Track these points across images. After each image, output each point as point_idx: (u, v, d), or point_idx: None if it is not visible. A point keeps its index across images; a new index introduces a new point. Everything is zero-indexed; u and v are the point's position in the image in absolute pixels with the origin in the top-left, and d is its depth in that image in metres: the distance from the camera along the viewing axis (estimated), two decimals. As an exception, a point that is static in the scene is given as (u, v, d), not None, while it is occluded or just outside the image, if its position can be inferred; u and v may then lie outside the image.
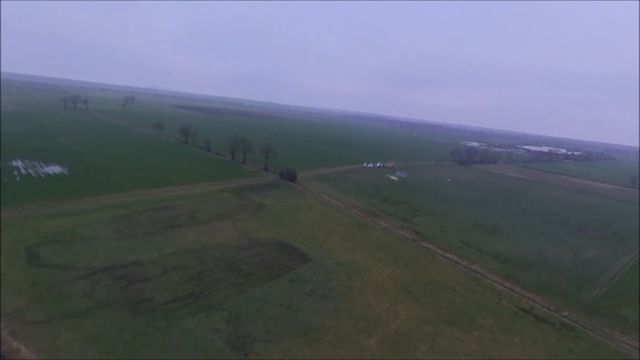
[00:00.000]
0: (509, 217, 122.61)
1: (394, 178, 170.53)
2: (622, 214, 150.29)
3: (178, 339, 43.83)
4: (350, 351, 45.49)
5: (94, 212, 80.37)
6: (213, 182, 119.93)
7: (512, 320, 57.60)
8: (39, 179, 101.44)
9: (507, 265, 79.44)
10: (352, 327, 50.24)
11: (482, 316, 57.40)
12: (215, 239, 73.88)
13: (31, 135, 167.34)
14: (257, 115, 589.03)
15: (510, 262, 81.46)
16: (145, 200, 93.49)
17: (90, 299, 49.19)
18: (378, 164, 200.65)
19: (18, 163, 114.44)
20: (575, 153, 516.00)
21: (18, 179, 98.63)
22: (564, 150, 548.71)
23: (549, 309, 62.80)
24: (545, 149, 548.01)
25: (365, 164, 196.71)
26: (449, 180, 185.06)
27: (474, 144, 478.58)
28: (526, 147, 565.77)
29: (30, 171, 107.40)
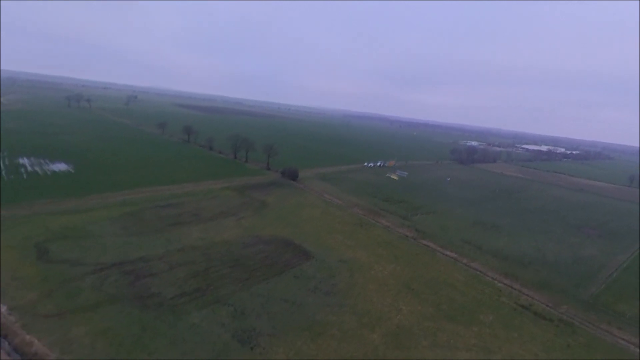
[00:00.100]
0: (508, 216, 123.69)
1: (395, 177, 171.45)
2: (620, 212, 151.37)
3: (185, 332, 45.03)
4: (354, 345, 46.70)
5: (101, 209, 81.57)
6: (216, 180, 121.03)
7: (512, 316, 58.77)
8: (45, 176, 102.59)
9: (506, 263, 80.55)
10: (355, 322, 51.45)
11: (482, 312, 58.58)
12: (220, 236, 75.10)
13: (36, 133, 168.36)
14: (258, 114, 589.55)
15: (509, 260, 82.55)
16: (150, 197, 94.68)
17: (99, 294, 50.43)
18: (378, 163, 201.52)
19: (24, 160, 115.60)
20: (574, 152, 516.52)
21: (25, 176, 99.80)
22: (562, 150, 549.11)
23: (547, 305, 63.99)
24: (544, 148, 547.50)
25: (365, 163, 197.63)
26: (448, 179, 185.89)
27: (474, 143, 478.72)
28: (525, 146, 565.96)
29: (37, 169, 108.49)
